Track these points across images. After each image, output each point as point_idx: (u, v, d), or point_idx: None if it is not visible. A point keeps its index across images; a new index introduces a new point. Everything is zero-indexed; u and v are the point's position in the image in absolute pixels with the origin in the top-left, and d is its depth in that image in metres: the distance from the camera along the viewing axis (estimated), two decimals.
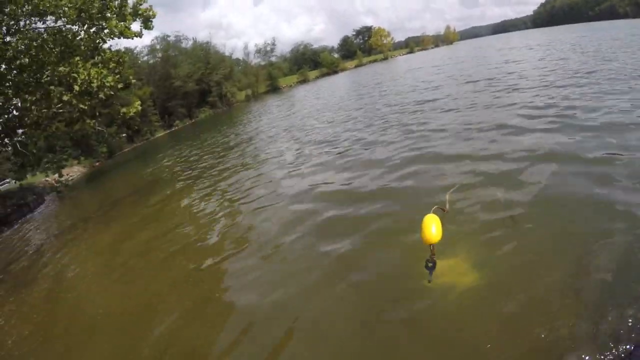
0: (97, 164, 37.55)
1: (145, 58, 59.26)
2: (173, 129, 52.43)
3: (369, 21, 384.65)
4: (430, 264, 4.15)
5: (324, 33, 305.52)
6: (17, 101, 17.55)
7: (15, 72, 15.70)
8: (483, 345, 3.23)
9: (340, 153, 10.82)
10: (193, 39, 65.25)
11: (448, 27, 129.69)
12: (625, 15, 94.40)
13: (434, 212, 4.74)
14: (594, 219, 4.51)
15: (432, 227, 4.30)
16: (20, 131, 18.95)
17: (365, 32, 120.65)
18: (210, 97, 60.62)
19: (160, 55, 59.41)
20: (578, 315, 3.25)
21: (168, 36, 61.13)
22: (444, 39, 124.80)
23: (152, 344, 4.73)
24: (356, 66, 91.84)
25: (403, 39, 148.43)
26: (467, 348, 3.31)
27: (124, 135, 43.90)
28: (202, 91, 59.88)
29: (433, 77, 25.04)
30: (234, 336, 4.39)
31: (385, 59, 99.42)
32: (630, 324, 3.04)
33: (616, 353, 2.84)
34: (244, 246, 6.65)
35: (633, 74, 11.83)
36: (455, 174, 6.77)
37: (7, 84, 15.83)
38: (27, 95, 16.78)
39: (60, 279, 8.40)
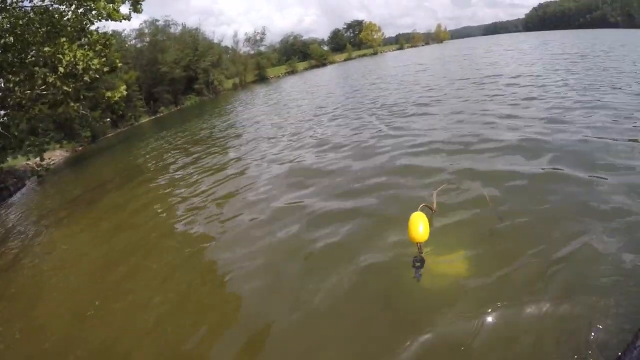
0: (79, 148, 36.82)
1: (133, 42, 58.07)
2: (158, 115, 51.60)
3: (361, 15, 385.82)
4: (417, 263, 4.11)
5: (314, 25, 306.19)
6: (0, 81, 17.15)
7: None
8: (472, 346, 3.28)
9: (323, 149, 10.82)
10: (182, 24, 64.18)
11: (439, 26, 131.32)
12: (615, 25, 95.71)
13: (421, 210, 4.72)
14: (576, 218, 4.70)
15: (420, 226, 4.28)
16: (2, 112, 18.51)
17: (356, 26, 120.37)
18: (197, 84, 59.56)
19: (148, 39, 58.25)
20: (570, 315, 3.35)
21: (157, 20, 59.87)
22: (435, 37, 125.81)
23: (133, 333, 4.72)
24: (345, 59, 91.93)
25: (394, 35, 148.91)
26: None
27: (108, 119, 43.04)
28: (189, 78, 58.89)
29: (419, 76, 25.35)
30: (205, 330, 4.41)
31: (375, 53, 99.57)
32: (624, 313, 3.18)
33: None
34: (224, 234, 6.74)
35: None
36: (440, 174, 6.83)
37: None
38: (10, 76, 16.37)
39: (40, 264, 8.26)
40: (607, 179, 5.53)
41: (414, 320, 3.70)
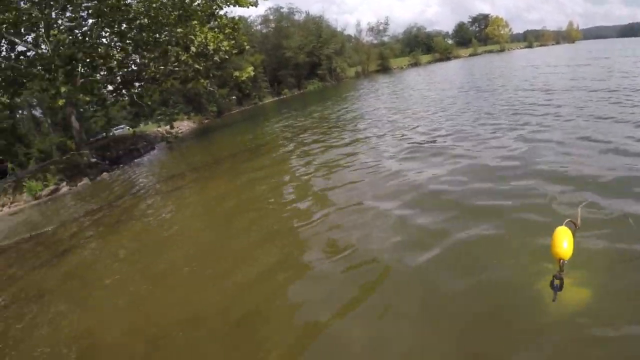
0: (205, 121, 40.25)
1: (259, 27, 61.62)
2: (281, 97, 54.47)
3: (485, 8, 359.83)
4: (557, 282, 3.72)
5: (437, 16, 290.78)
6: (136, 57, 19.49)
7: (135, 31, 17.41)
8: None
9: (449, 152, 9.44)
10: (306, 12, 66.44)
11: (571, 24, 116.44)
12: None
13: (566, 226, 4.28)
14: None
15: (564, 241, 3.94)
16: (137, 84, 21.03)
17: (482, 20, 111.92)
18: (320, 70, 61.23)
19: (273, 25, 61.37)
20: None
21: (281, 8, 62.73)
22: (566, 36, 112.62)
23: (223, 295, 4.95)
24: (470, 55, 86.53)
25: (521, 31, 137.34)
26: None
27: (233, 97, 46.70)
28: (312, 64, 60.77)
29: (555, 81, 20.99)
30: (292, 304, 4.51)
31: (502, 50, 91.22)
32: None
33: None
34: (325, 219, 6.55)
35: None
36: (584, 189, 5.82)
37: (128, 41, 17.57)
38: (145, 53, 18.55)
39: (157, 223, 9.02)
40: None
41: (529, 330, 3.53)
